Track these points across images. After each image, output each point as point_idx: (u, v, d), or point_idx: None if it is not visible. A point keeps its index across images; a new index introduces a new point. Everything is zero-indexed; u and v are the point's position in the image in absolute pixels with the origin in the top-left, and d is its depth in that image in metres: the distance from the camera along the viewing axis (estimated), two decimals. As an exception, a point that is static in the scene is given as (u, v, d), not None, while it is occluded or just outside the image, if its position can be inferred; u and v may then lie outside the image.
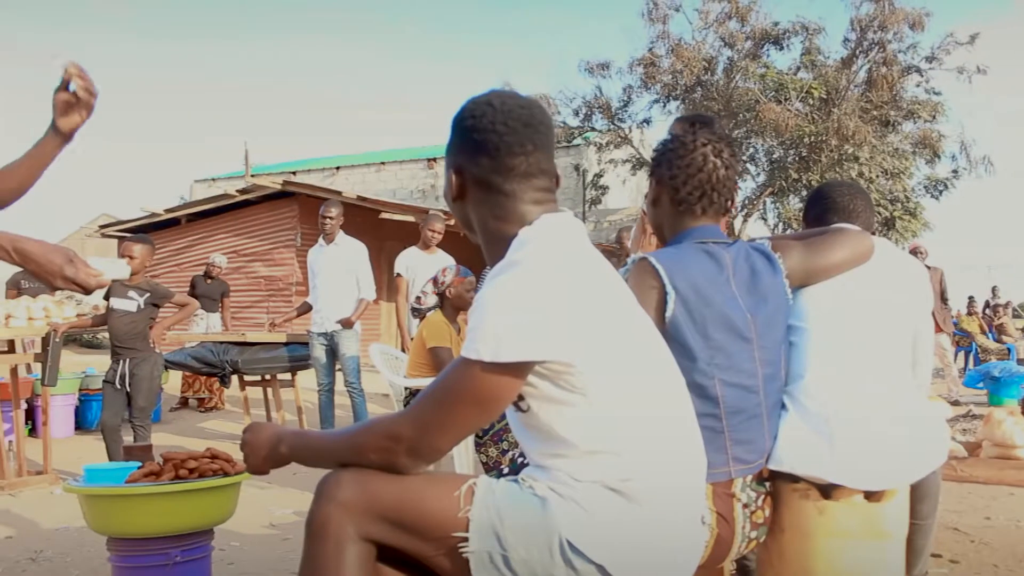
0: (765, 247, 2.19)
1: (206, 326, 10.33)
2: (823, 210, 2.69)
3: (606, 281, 1.64)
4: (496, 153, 1.64)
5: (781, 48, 18.45)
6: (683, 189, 2.11)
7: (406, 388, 5.19)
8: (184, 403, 10.01)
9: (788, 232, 14.03)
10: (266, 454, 1.74)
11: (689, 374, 1.89)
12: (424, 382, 5.01)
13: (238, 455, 3.08)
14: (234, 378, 7.77)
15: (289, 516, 5.13)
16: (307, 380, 8.48)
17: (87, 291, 1.86)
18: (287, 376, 8.04)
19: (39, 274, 1.84)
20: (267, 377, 7.80)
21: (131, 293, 6.00)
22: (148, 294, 6.03)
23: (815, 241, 2.29)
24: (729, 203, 2.18)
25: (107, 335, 6.13)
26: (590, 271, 1.62)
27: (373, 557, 1.60)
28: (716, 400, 1.97)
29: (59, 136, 2.00)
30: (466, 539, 1.54)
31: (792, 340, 2.20)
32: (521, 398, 1.58)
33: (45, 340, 6.21)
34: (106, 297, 6.14)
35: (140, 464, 3.05)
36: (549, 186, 1.70)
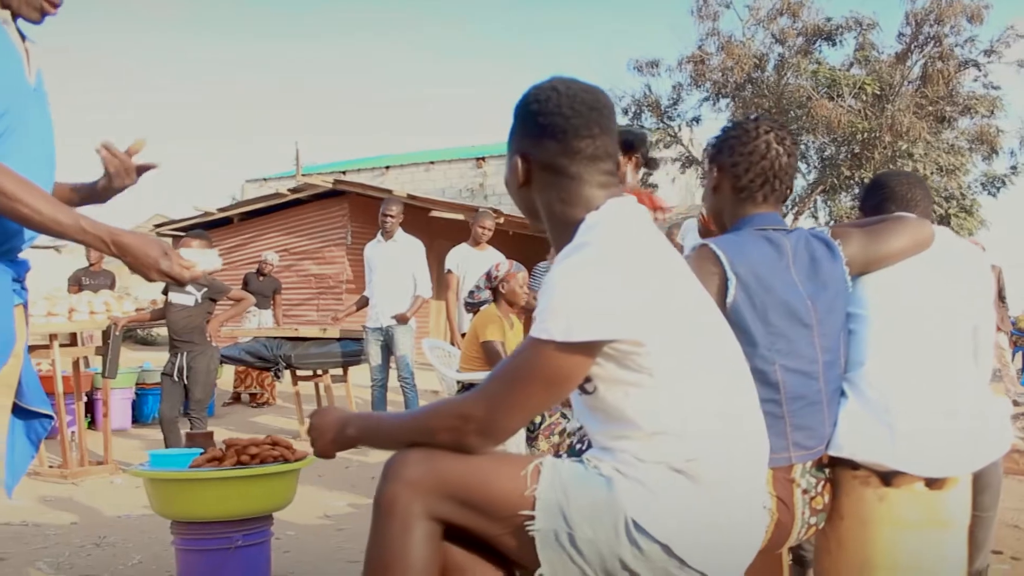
0: (825, 234, 2.19)
1: (258, 322, 10.48)
2: (881, 199, 2.67)
3: (672, 264, 1.66)
4: (563, 136, 1.66)
5: (834, 44, 18.22)
6: (745, 176, 2.12)
7: (458, 382, 5.22)
8: (236, 398, 10.17)
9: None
10: (333, 436, 1.78)
11: (750, 360, 1.89)
12: (476, 376, 5.05)
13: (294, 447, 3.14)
14: (286, 373, 7.88)
15: (343, 507, 5.21)
16: (358, 376, 8.57)
17: (181, 283, 1.91)
18: (339, 371, 8.13)
19: (136, 266, 1.89)
20: (319, 372, 7.89)
21: (189, 288, 6.13)
22: (205, 289, 6.17)
23: (875, 229, 2.28)
24: (788, 191, 2.18)
25: (160, 332, 6.28)
26: (657, 253, 1.63)
27: (439, 535, 1.62)
28: (777, 386, 1.97)
29: (94, 197, 1.99)
30: (532, 517, 1.57)
31: (851, 327, 2.19)
32: (587, 379, 1.59)
33: (105, 334, 6.37)
34: (165, 291, 6.28)
35: (202, 450, 3.12)
36: (613, 169, 1.72)
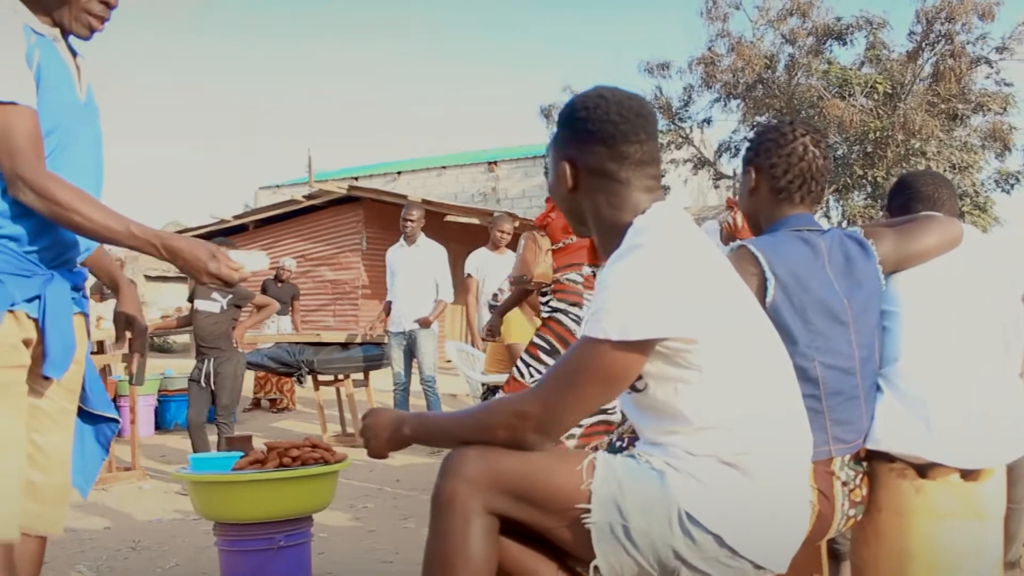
0: (858, 234, 2.25)
1: (277, 328, 10.55)
2: (907, 199, 2.72)
3: (719, 264, 1.72)
4: (612, 142, 1.72)
5: (844, 43, 18.23)
6: (783, 178, 2.17)
7: (483, 384, 5.29)
8: (256, 404, 10.24)
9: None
10: (388, 435, 1.83)
11: (791, 357, 1.94)
12: (502, 378, 5.11)
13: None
14: (308, 378, 7.94)
15: (371, 509, 5.27)
16: (378, 381, 8.63)
17: (230, 284, 1.97)
18: (360, 376, 8.19)
19: (186, 269, 1.95)
20: (340, 377, 7.96)
21: (214, 295, 6.22)
22: (230, 295, 6.24)
23: (906, 228, 2.33)
24: (823, 192, 2.24)
25: (177, 339, 6.37)
26: (706, 254, 1.69)
27: (496, 529, 1.68)
28: (816, 382, 2.02)
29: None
30: (588, 511, 1.62)
31: (885, 324, 2.25)
32: (638, 377, 1.65)
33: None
34: (191, 299, 6.36)
35: (242, 453, 3.18)
36: (657, 174, 1.78)
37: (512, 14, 64.59)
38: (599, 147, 1.74)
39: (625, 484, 1.63)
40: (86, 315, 2.21)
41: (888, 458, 2.14)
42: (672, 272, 1.60)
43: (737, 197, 2.36)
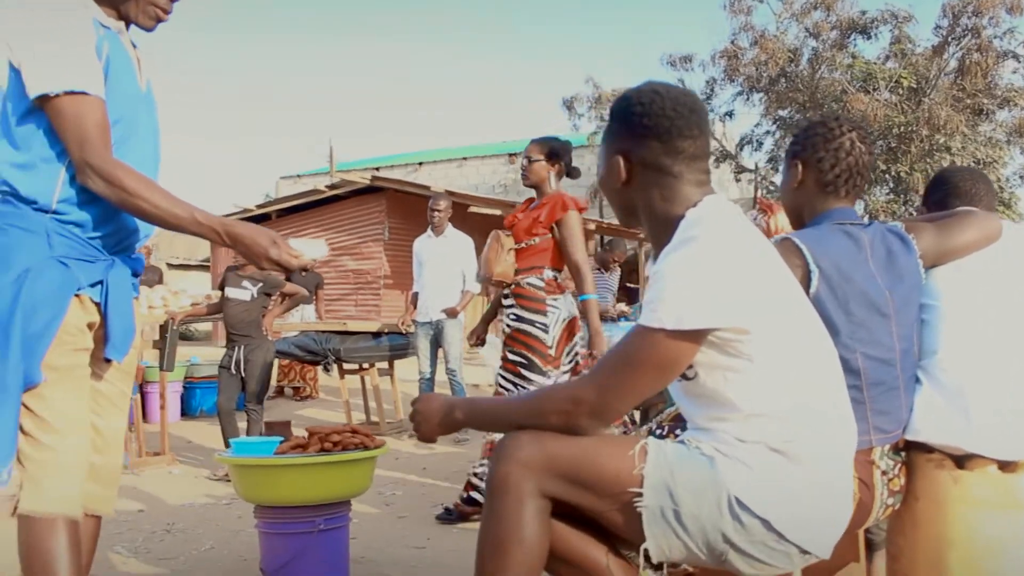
0: (899, 228, 2.28)
1: (300, 316, 10.63)
2: (945, 194, 2.74)
3: (770, 256, 1.76)
4: (667, 137, 1.76)
5: (869, 37, 18.11)
6: (831, 172, 2.21)
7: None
8: (280, 392, 10.33)
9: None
10: (439, 420, 1.88)
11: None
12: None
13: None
14: (334, 367, 8.02)
15: (400, 496, 5.34)
16: (403, 371, 8.70)
17: (289, 271, 2.02)
18: (384, 365, 8.26)
19: (247, 255, 2.01)
20: (365, 366, 8.03)
21: (245, 283, 6.30)
22: (261, 283, 6.32)
23: (946, 223, 2.36)
24: (865, 187, 2.28)
25: (199, 327, 6.44)
26: (757, 245, 1.73)
27: (549, 512, 1.73)
28: (858, 372, 2.06)
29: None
30: (640, 495, 1.66)
31: (924, 318, 2.28)
32: (689, 366, 1.69)
33: (163, 328, 6.54)
34: (221, 287, 6.44)
35: (282, 438, 3.25)
36: (708, 168, 1.83)
37: (534, 6, 64.47)
38: (654, 142, 1.78)
39: (676, 469, 1.68)
40: (138, 300, 2.27)
41: (926, 449, 2.17)
42: (725, 263, 1.64)
43: (780, 190, 2.39)
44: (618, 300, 8.87)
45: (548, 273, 4.44)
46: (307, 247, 2.06)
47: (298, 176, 24.13)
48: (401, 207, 14.58)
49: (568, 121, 20.09)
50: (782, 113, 18.97)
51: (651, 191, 1.81)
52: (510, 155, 21.72)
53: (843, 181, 2.22)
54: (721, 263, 1.64)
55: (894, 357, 2.13)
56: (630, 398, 1.69)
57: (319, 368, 9.53)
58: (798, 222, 2.34)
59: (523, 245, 4.51)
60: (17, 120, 1.95)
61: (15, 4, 1.95)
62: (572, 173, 4.61)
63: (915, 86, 16.85)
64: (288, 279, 10.56)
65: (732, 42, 18.93)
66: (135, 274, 2.21)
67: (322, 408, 9.74)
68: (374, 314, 14.27)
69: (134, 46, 2.18)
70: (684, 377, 1.74)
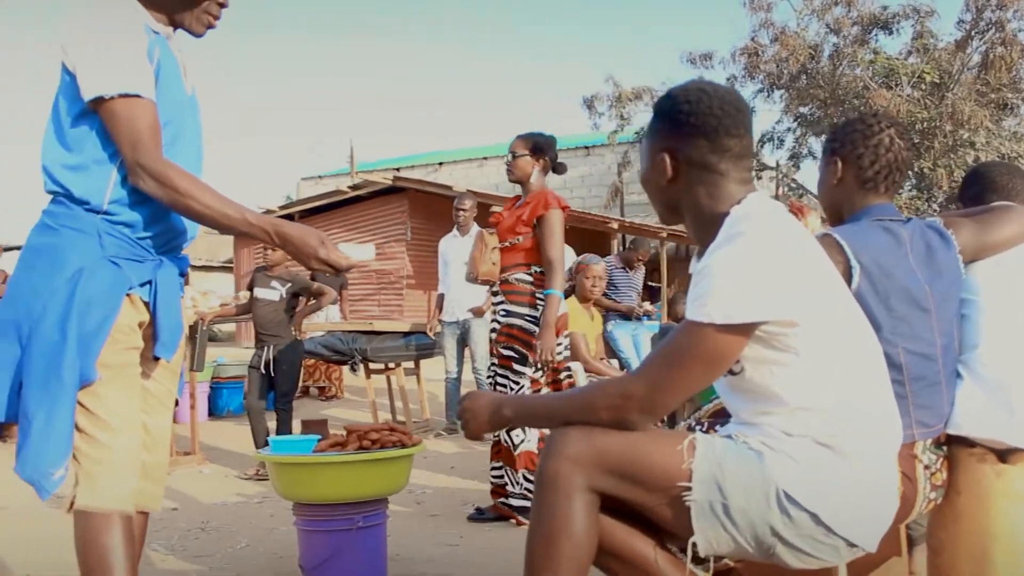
0: (938, 224, 2.29)
1: (325, 317, 10.69)
2: (981, 189, 2.74)
3: (815, 252, 1.77)
4: (715, 135, 1.78)
5: (890, 33, 17.98)
6: (871, 168, 2.23)
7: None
8: (305, 392, 10.39)
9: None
10: (487, 418, 1.90)
11: None
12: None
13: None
14: (360, 366, 8.06)
15: (430, 495, 5.38)
16: (429, 371, 8.74)
17: (338, 271, 2.05)
18: (410, 365, 8.30)
19: (297, 255, 2.03)
20: (391, 366, 8.07)
21: (274, 283, 6.36)
22: (289, 284, 6.38)
23: (985, 218, 2.37)
24: (903, 183, 2.29)
25: (223, 328, 6.49)
26: (802, 241, 1.75)
27: (597, 507, 1.75)
28: (900, 367, 2.07)
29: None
30: (689, 489, 1.68)
31: (964, 312, 2.29)
32: (736, 360, 1.71)
33: (192, 328, 6.60)
34: (250, 287, 6.50)
35: (319, 436, 3.28)
36: (751, 167, 1.84)
37: (554, 5, 64.45)
38: (701, 140, 1.80)
39: (725, 463, 1.69)
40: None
41: (968, 443, 2.18)
42: (773, 258, 1.66)
43: (817, 187, 2.40)
44: (643, 299, 8.88)
45: (535, 268, 4.46)
46: (354, 250, 2.10)
47: (319, 177, 24.25)
48: (423, 207, 14.62)
49: (589, 120, 20.06)
50: (803, 110, 18.87)
51: (697, 188, 1.83)
52: (530, 154, 21.72)
53: (883, 177, 2.24)
54: (768, 258, 1.66)
55: (935, 352, 2.14)
56: (680, 393, 1.71)
57: (344, 368, 9.58)
58: (836, 219, 2.35)
59: (508, 244, 4.54)
60: (71, 123, 1.99)
61: (71, 11, 1.99)
62: (558, 168, 4.63)
63: (938, 81, 16.71)
64: (312, 280, 10.69)
65: (752, 39, 18.85)
66: (181, 274, 2.24)
67: (348, 408, 9.80)
68: (397, 314, 14.32)
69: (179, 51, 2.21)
70: (730, 372, 1.75)
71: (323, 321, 10.25)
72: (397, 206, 15.13)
